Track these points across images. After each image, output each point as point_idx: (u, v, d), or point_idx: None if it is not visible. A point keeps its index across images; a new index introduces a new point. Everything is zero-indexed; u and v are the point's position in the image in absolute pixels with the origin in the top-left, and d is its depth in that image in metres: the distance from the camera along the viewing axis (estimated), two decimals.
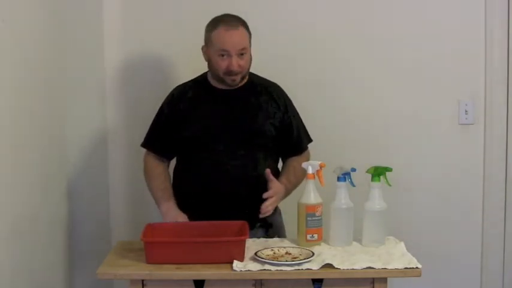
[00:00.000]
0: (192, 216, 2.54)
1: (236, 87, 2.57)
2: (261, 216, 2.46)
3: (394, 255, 2.24)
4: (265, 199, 2.43)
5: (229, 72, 2.49)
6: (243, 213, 2.44)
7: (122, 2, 3.12)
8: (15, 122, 2.33)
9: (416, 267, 2.14)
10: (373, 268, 2.12)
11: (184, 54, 3.08)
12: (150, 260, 2.17)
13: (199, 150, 2.55)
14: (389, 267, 2.13)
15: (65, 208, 2.88)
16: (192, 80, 2.68)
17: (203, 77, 2.65)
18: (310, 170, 2.37)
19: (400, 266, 2.14)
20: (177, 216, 2.50)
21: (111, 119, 3.15)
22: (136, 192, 3.13)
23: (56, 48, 2.82)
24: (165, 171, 2.65)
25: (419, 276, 2.14)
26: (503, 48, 3.17)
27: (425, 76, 3.20)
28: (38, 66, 2.60)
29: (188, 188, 2.58)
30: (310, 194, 2.35)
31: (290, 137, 2.65)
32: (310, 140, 2.74)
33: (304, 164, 2.41)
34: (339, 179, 2.36)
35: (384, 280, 2.15)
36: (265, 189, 2.47)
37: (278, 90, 2.68)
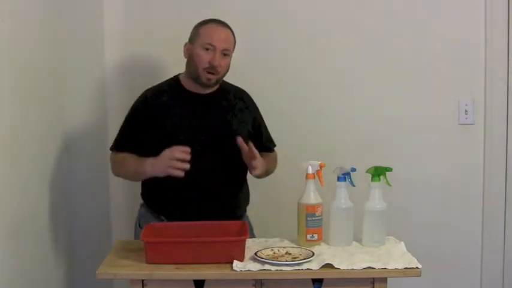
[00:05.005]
0: (169, 218, 2.53)
1: (208, 90, 2.57)
2: (254, 172, 2.48)
3: (394, 255, 2.23)
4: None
5: (209, 68, 2.49)
6: (220, 211, 2.47)
7: (122, 1, 3.12)
8: (15, 122, 2.34)
9: (416, 267, 2.14)
10: (373, 268, 2.12)
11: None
12: (150, 260, 2.17)
13: None
14: (389, 267, 2.13)
15: (65, 208, 2.89)
16: (164, 83, 2.65)
17: (175, 80, 2.62)
18: (310, 170, 2.37)
19: (400, 266, 2.14)
20: (162, 159, 2.38)
21: (111, 118, 3.15)
22: (137, 192, 3.13)
23: (56, 48, 2.83)
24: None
25: (419, 276, 2.14)
26: (503, 48, 3.17)
27: (425, 76, 3.20)
28: (38, 66, 2.60)
29: (164, 190, 2.52)
30: (310, 194, 2.35)
31: (260, 141, 2.68)
32: (274, 145, 2.79)
33: (304, 164, 2.41)
34: (339, 179, 2.36)
35: (384, 280, 2.15)
36: (239, 187, 2.61)
37: (248, 97, 2.71)
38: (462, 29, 3.18)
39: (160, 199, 2.56)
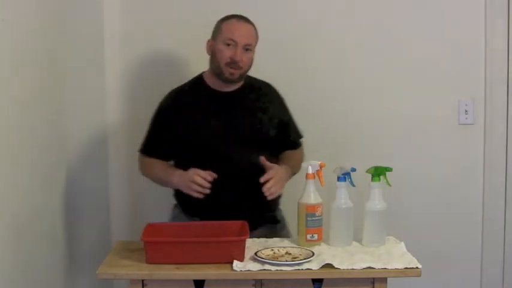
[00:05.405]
0: (203, 219, 2.51)
1: (232, 87, 2.56)
2: (269, 198, 2.42)
3: (394, 255, 2.23)
4: (264, 184, 2.40)
5: (231, 63, 2.48)
6: (253, 210, 2.46)
7: (122, 1, 3.12)
8: (15, 122, 2.34)
9: (416, 267, 2.14)
10: (373, 268, 2.12)
11: (185, 54, 3.08)
12: (150, 260, 2.17)
13: (204, 155, 2.50)
14: (389, 267, 2.13)
15: (65, 208, 2.89)
16: (188, 84, 2.65)
17: (199, 78, 2.63)
18: (310, 170, 2.37)
19: (400, 266, 2.14)
20: (186, 176, 2.41)
21: (112, 119, 3.15)
22: (137, 192, 3.13)
23: (56, 48, 2.83)
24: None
25: (419, 276, 2.14)
26: (503, 48, 3.17)
27: (425, 76, 3.20)
28: (38, 66, 2.60)
29: None
30: (310, 194, 2.35)
31: (287, 136, 2.68)
32: (301, 136, 2.76)
33: (304, 164, 2.41)
34: (339, 179, 2.36)
35: (384, 280, 2.15)
36: None
37: (274, 91, 2.70)
38: (462, 29, 3.18)
39: (193, 200, 2.48)
